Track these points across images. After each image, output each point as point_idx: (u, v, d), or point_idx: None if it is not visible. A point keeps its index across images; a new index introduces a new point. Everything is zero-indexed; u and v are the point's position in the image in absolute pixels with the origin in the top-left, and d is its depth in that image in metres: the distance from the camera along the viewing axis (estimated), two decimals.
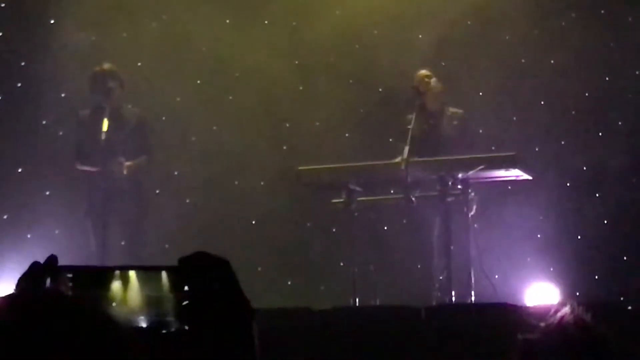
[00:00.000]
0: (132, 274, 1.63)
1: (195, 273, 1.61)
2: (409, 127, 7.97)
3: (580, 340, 2.29)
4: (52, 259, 1.67)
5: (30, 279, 1.62)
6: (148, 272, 1.65)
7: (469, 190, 7.71)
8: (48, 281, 1.62)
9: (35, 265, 1.64)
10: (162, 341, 1.60)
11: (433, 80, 8.28)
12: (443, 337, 5.61)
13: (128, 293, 1.62)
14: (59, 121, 9.49)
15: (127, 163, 8.15)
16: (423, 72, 8.33)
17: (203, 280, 1.61)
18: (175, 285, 1.62)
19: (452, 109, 8.34)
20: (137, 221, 8.28)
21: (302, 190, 8.32)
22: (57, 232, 9.43)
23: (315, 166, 7.88)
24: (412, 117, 8.05)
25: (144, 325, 1.62)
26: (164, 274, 1.63)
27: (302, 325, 5.77)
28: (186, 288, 1.61)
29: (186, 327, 1.60)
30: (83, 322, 1.42)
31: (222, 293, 1.61)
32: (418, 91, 8.17)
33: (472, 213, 7.78)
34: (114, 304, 1.61)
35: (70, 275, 1.62)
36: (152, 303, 1.63)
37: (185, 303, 1.60)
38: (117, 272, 1.63)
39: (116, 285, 1.62)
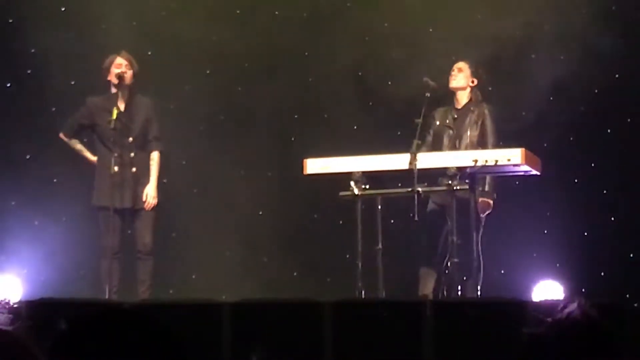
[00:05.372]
0: None
1: None
2: (417, 120, 8.01)
3: (587, 337, 2.29)
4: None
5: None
6: None
7: (477, 186, 7.72)
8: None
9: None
10: None
11: (460, 76, 8.29)
12: (449, 332, 5.61)
13: None
14: (68, 109, 9.50)
15: (150, 193, 8.19)
16: (457, 64, 8.37)
17: None
18: None
19: (478, 105, 8.32)
20: (148, 209, 8.29)
21: (309, 182, 8.31)
22: (64, 219, 9.44)
23: (323, 158, 7.89)
24: (442, 109, 8.20)
25: None
26: None
27: (307, 318, 5.77)
28: None
29: None
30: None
31: None
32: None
33: (488, 211, 7.87)
34: None
35: None
36: None
37: None
38: None
39: None
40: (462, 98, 8.36)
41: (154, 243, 8.28)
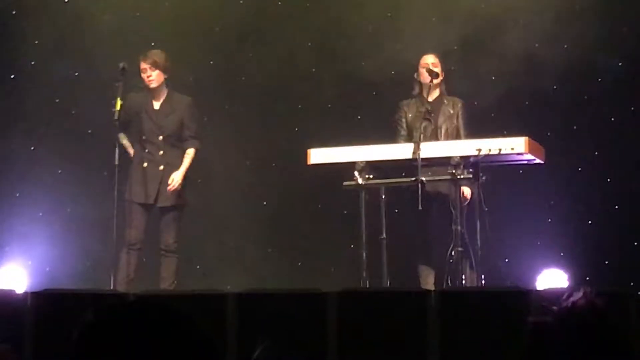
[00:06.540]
0: None
1: None
2: (422, 109, 8.00)
3: (593, 326, 2.29)
4: None
5: None
6: None
7: (481, 174, 7.71)
8: None
9: None
10: None
11: (434, 72, 8.24)
12: (453, 321, 5.61)
13: None
14: (72, 99, 9.51)
15: (176, 178, 8.27)
16: (428, 59, 8.31)
17: None
18: None
19: (450, 98, 8.33)
20: (177, 207, 8.36)
21: (313, 172, 8.32)
22: (68, 210, 9.46)
23: (327, 147, 7.89)
24: (409, 102, 8.19)
25: None
26: None
27: (312, 308, 5.78)
28: None
29: None
30: None
31: None
32: (417, 79, 8.24)
33: (465, 203, 7.81)
34: None
35: None
36: None
37: None
38: None
39: None
40: (434, 91, 8.34)
41: (177, 242, 8.35)
